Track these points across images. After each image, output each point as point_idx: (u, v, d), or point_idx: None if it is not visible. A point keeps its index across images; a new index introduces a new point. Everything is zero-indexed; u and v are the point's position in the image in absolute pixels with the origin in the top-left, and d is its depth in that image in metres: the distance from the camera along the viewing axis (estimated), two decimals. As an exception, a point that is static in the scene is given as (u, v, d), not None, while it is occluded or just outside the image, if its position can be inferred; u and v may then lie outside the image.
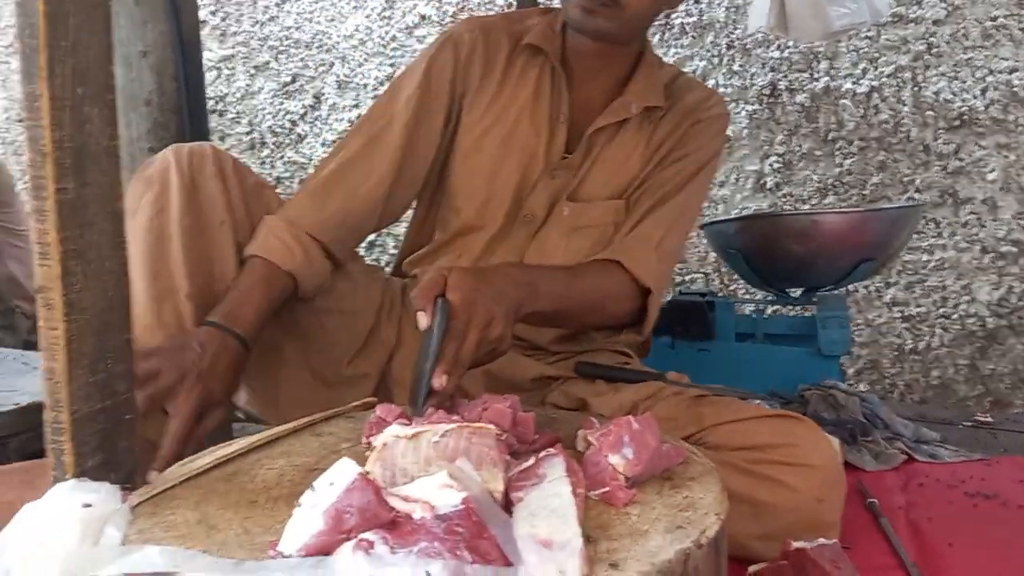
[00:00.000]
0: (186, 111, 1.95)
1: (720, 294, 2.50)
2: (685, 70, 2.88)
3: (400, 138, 1.37)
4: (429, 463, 0.84)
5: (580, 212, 1.39)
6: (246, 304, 1.19)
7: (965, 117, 2.62)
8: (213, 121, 3.58)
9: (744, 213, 2.80)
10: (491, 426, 0.86)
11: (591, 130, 1.40)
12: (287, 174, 3.49)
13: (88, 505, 0.78)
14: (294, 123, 3.45)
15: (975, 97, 2.60)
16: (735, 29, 2.80)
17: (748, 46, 2.81)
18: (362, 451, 1.00)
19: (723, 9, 2.82)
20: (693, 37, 2.88)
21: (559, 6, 1.42)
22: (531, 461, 0.88)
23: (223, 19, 3.50)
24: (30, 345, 2.59)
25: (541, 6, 1.60)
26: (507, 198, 1.40)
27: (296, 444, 1.07)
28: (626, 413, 1.27)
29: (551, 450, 0.90)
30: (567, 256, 1.38)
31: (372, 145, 1.37)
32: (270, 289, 1.22)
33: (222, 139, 3.59)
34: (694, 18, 2.87)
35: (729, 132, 2.87)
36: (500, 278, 1.07)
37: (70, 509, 0.77)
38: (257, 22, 3.46)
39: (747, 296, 2.66)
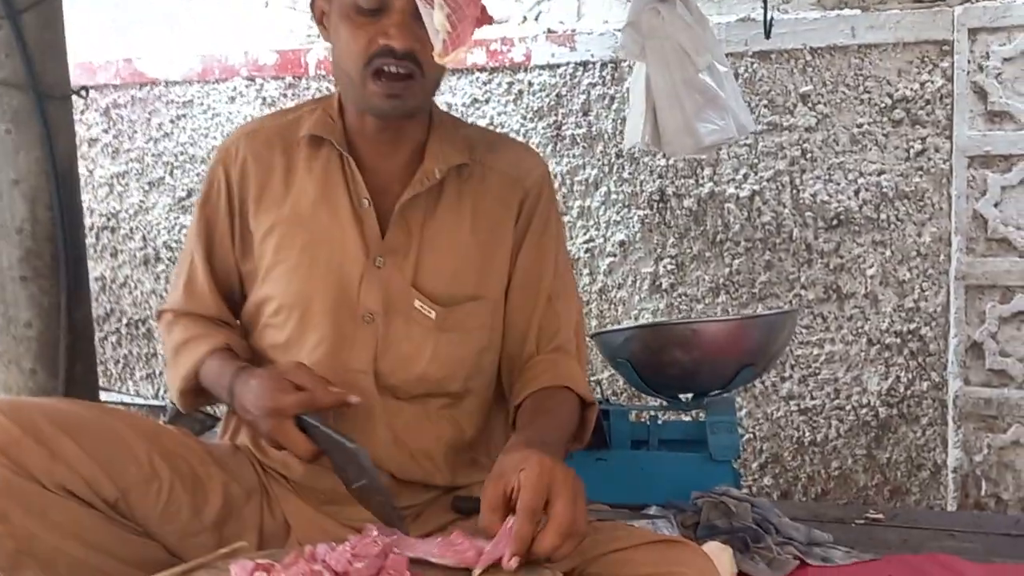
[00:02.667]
0: (60, 238, 1.89)
1: (616, 401, 2.52)
2: (579, 179, 2.98)
3: (207, 280, 1.39)
4: (277, 628, 0.79)
5: (446, 315, 1.31)
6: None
7: (842, 217, 2.75)
8: (105, 238, 3.51)
9: (627, 324, 2.86)
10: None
11: (399, 204, 1.31)
12: (183, 289, 3.42)
13: None
14: (190, 237, 3.40)
15: (849, 198, 2.75)
16: (622, 139, 2.91)
17: (636, 155, 2.92)
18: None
19: (610, 121, 2.94)
20: (584, 147, 2.98)
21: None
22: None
23: (116, 136, 3.47)
24: None
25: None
26: (329, 304, 1.29)
27: (151, 603, 1.00)
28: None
29: (411, 602, 0.86)
30: (436, 360, 1.31)
31: (191, 297, 1.41)
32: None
33: (114, 255, 3.50)
34: (583, 129, 2.97)
35: (623, 236, 2.95)
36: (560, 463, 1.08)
37: None
38: (151, 138, 3.43)
39: (642, 402, 2.68)
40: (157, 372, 3.47)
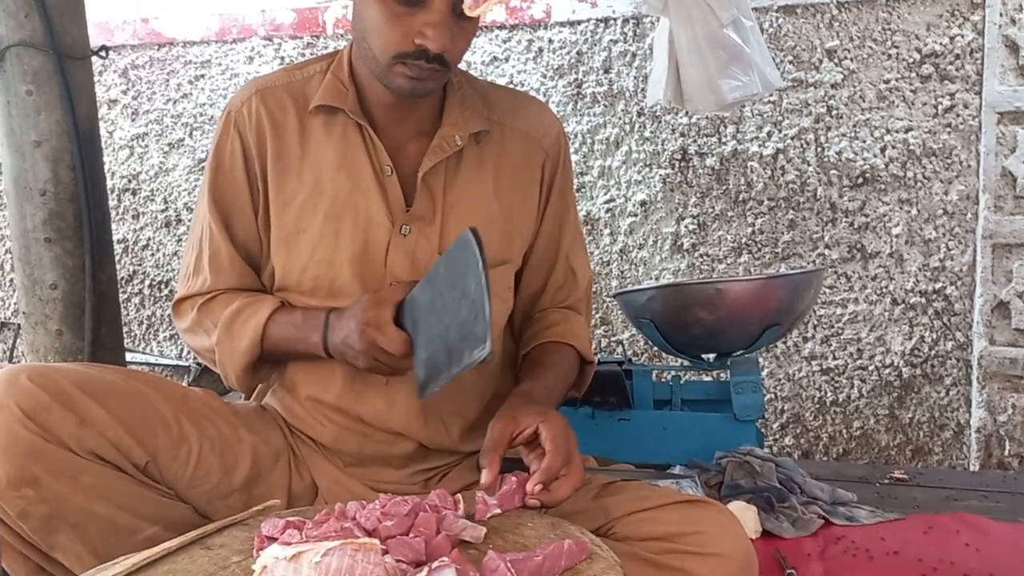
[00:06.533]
0: (83, 199, 1.90)
1: (637, 361, 2.51)
2: (599, 138, 2.95)
3: (231, 252, 1.33)
4: (311, 585, 0.80)
5: None
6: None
7: (867, 175, 2.71)
8: (126, 200, 3.52)
9: (651, 283, 2.84)
10: (375, 541, 0.83)
11: (422, 173, 1.28)
12: (204, 251, 3.42)
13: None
14: (210, 199, 3.40)
15: (875, 156, 2.70)
16: (644, 97, 2.87)
17: (658, 113, 2.88)
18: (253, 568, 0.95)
19: (632, 79, 2.89)
20: (605, 106, 2.94)
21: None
22: (423, 573, 0.86)
23: (135, 98, 3.46)
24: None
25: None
26: (356, 274, 1.27)
27: (184, 560, 1.02)
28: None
29: (443, 559, 0.87)
30: None
31: (218, 273, 1.34)
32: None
33: (135, 218, 3.51)
34: (604, 87, 2.93)
35: (645, 196, 2.92)
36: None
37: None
38: (170, 100, 3.42)
39: (664, 362, 2.68)
40: (180, 333, 3.49)
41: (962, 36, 2.59)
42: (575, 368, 1.38)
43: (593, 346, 1.48)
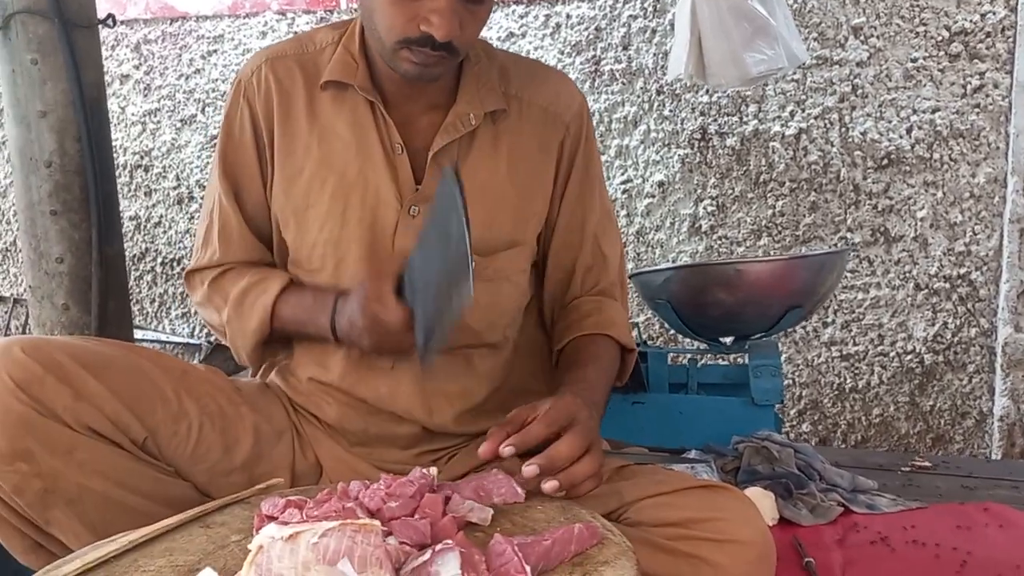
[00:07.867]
0: (90, 171, 1.86)
1: (652, 343, 2.46)
2: (617, 116, 2.89)
3: (241, 224, 1.30)
4: (308, 567, 0.76)
5: (486, 264, 1.24)
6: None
7: (892, 156, 2.64)
8: (139, 176, 3.49)
9: (669, 264, 2.79)
10: (376, 522, 0.79)
11: (433, 152, 1.22)
12: (216, 228, 3.40)
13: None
14: (223, 176, 3.38)
15: (901, 136, 2.63)
16: (664, 75, 2.81)
17: (677, 91, 2.81)
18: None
19: (651, 56, 2.83)
20: (623, 83, 2.88)
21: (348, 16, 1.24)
22: (426, 556, 0.82)
23: (147, 73, 3.42)
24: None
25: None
26: (363, 253, 1.22)
27: (182, 538, 0.98)
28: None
29: (447, 542, 0.83)
30: (477, 310, 1.23)
31: (228, 246, 1.31)
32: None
33: (148, 195, 3.49)
34: (623, 64, 2.87)
35: (663, 176, 2.87)
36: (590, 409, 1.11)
37: None
38: (182, 75, 3.39)
39: (680, 345, 2.62)
40: (192, 311, 3.47)
41: (994, 13, 2.51)
42: (616, 360, 1.31)
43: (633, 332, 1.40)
